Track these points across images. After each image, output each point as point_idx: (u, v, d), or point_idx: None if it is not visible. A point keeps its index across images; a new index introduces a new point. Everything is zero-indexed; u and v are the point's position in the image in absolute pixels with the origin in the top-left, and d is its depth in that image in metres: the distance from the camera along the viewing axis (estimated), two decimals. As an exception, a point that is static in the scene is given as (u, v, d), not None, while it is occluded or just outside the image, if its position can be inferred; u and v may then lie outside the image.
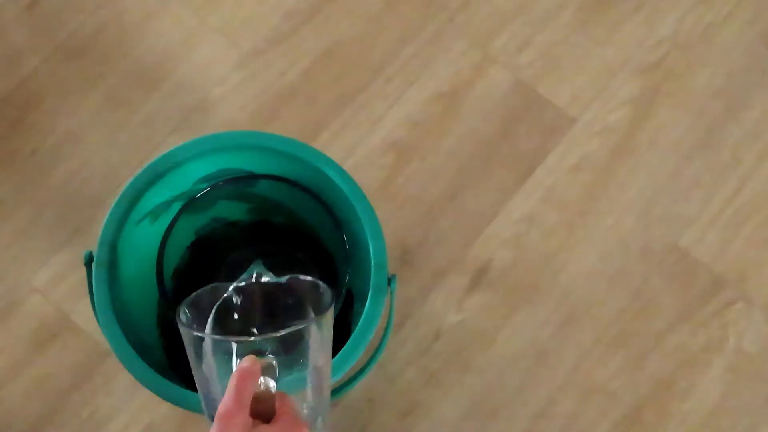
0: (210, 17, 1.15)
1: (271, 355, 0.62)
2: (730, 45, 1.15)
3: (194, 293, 0.73)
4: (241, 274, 0.95)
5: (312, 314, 0.70)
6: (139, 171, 0.84)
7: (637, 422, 1.02)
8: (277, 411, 0.60)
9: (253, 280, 0.78)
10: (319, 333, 0.65)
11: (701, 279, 1.06)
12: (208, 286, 0.76)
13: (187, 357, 0.83)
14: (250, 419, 0.59)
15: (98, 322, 0.80)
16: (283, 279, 0.77)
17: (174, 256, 0.94)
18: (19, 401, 1.01)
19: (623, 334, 1.05)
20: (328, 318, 0.66)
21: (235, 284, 0.78)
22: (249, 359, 0.60)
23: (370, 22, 1.16)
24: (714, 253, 1.07)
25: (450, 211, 1.09)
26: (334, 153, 1.05)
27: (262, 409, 0.60)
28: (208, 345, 0.64)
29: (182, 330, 0.65)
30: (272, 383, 0.61)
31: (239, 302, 0.78)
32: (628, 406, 1.02)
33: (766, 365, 1.04)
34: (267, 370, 0.61)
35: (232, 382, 0.58)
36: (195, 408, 0.78)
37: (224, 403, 0.57)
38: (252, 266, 0.93)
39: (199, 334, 0.64)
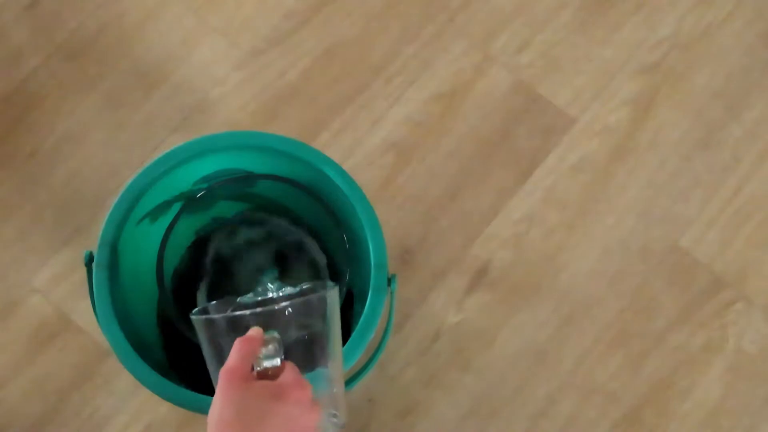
0: (210, 17, 1.15)
1: (275, 330, 0.65)
2: (730, 45, 1.15)
3: (210, 302, 0.74)
4: (245, 275, 0.96)
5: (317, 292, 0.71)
6: (139, 171, 0.84)
7: (637, 422, 1.02)
8: (281, 373, 0.64)
9: (268, 294, 0.79)
10: (323, 312, 0.66)
11: (701, 279, 1.07)
12: (223, 299, 0.77)
13: (186, 357, 0.84)
14: (251, 374, 0.63)
15: (98, 322, 0.80)
16: (296, 289, 0.78)
17: (174, 256, 0.94)
18: (19, 401, 1.01)
19: (623, 334, 1.05)
20: (333, 298, 0.67)
21: (250, 296, 0.79)
22: (253, 329, 0.65)
23: (370, 22, 1.16)
24: (714, 254, 1.07)
25: (450, 211, 1.09)
26: (334, 153, 1.05)
27: (269, 378, 0.64)
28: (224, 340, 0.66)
29: (196, 321, 0.66)
30: (277, 359, 0.64)
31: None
32: (627, 406, 1.02)
33: (766, 365, 1.04)
34: (272, 343, 0.64)
35: (235, 346, 0.63)
36: (195, 408, 0.78)
37: (228, 362, 0.62)
38: (265, 274, 0.94)
39: (212, 317, 0.66)
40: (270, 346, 0.64)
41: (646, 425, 1.02)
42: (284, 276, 0.95)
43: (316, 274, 0.96)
